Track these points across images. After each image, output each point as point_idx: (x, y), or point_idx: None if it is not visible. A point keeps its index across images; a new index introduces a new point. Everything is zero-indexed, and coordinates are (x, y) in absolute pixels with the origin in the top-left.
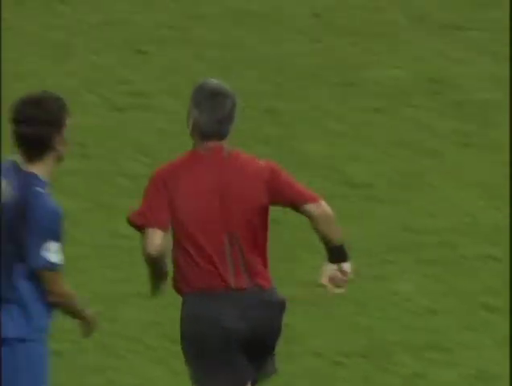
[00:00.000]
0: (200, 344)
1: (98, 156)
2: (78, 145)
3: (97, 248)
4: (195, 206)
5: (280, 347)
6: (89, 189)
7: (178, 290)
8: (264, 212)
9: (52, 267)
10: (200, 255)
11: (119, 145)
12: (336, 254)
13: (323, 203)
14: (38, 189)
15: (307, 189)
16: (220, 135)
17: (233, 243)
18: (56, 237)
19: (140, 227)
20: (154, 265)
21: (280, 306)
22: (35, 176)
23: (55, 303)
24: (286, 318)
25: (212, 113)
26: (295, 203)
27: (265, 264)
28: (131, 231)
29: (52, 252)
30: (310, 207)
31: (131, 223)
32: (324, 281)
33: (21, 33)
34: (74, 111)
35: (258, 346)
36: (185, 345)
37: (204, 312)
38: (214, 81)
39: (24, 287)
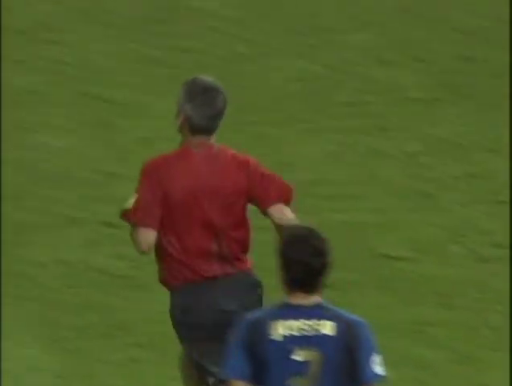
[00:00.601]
0: (196, 328)
1: (463, 307)
2: (443, 296)
3: None
4: (184, 199)
5: None
6: (453, 340)
7: (165, 282)
8: (245, 204)
9: (381, 379)
10: (185, 247)
11: (484, 297)
12: None
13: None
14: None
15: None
16: (211, 130)
17: (218, 234)
18: (378, 350)
19: (133, 225)
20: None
21: (260, 287)
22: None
23: None
24: None
25: (206, 109)
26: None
27: (245, 251)
28: None
29: (379, 365)
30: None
31: (125, 219)
32: None
33: (384, 182)
34: (440, 261)
35: None
36: (181, 330)
37: (197, 299)
38: (206, 77)
39: None
